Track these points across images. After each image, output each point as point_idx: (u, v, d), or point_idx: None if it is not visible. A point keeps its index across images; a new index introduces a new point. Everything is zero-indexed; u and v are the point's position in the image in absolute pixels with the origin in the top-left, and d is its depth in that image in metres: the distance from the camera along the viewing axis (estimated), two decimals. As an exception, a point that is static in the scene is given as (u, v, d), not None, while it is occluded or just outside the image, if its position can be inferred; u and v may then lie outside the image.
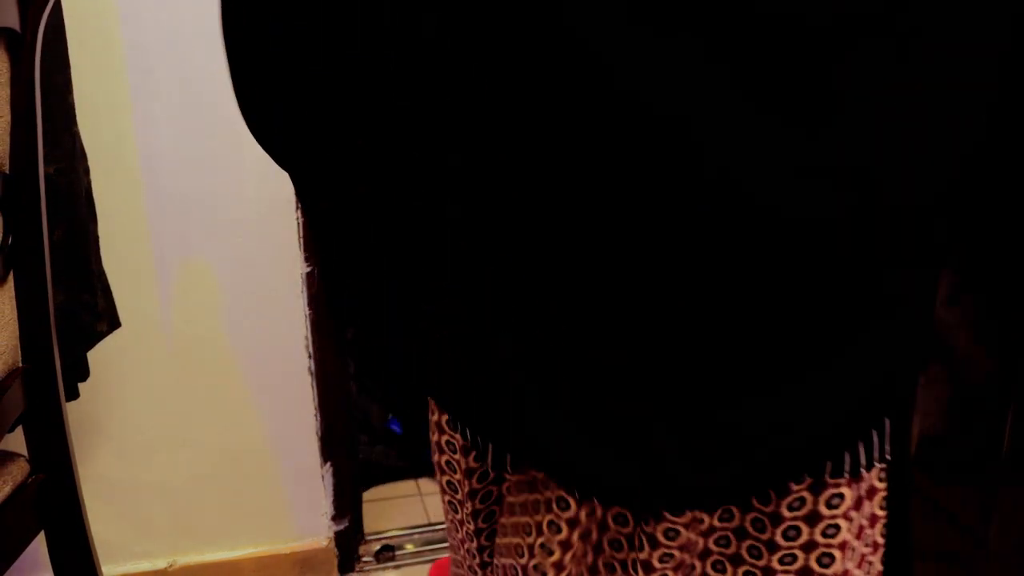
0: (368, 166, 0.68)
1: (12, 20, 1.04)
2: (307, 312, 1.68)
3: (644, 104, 0.56)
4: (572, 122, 0.58)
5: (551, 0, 0.56)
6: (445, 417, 0.81)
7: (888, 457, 0.72)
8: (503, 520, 0.81)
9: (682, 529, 0.70)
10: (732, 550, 0.71)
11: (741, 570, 0.71)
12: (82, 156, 1.32)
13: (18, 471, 1.12)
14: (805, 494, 0.68)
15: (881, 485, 0.72)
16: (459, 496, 0.85)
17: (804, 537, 0.69)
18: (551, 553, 0.75)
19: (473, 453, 0.80)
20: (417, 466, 2.23)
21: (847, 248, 0.60)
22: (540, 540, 0.76)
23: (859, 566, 0.73)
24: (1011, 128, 0.70)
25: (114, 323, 1.38)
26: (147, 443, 1.69)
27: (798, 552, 0.70)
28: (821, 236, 0.59)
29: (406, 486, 2.18)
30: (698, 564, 0.73)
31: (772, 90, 0.56)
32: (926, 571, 1.65)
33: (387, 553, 1.91)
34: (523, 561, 0.78)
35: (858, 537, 0.71)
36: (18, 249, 1.08)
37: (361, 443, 2.10)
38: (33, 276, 1.10)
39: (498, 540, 0.83)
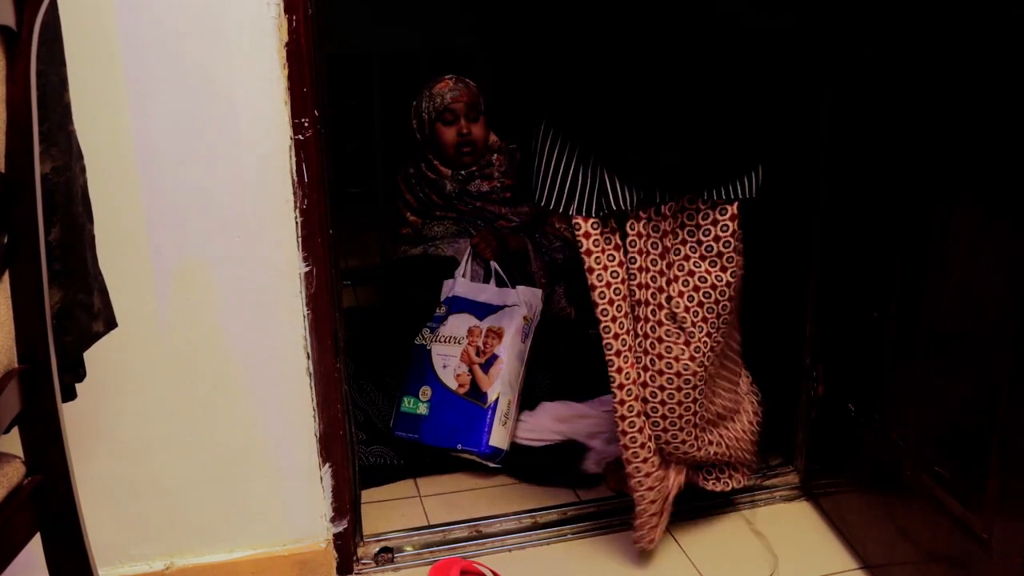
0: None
1: (8, 18, 1.03)
2: (306, 312, 1.68)
3: None
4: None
5: None
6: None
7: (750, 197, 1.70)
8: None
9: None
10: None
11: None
12: (79, 155, 1.31)
13: (14, 473, 1.11)
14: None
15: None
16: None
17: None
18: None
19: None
20: (415, 466, 2.23)
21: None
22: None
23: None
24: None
25: (111, 323, 1.37)
26: (144, 444, 1.68)
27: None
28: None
29: (405, 488, 2.18)
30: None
31: None
32: (930, 572, 1.65)
33: (386, 555, 1.90)
34: None
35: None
36: (13, 248, 1.07)
37: (359, 441, 2.10)
38: (29, 276, 1.09)
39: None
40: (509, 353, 2.26)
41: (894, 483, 1.71)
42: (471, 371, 2.25)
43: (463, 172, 2.60)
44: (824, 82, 1.85)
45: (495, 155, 2.63)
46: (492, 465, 2.21)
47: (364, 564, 1.88)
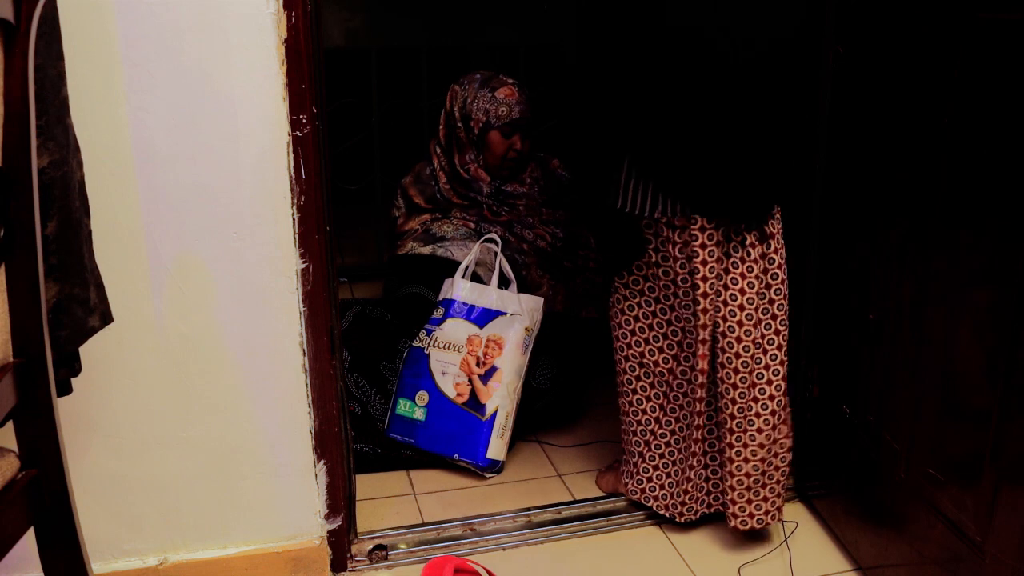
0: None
1: (6, 11, 1.03)
2: (302, 309, 1.68)
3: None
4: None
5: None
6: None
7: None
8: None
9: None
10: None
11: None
12: (76, 149, 1.30)
13: (8, 467, 1.11)
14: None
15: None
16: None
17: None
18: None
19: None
20: (396, 458, 2.25)
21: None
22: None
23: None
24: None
25: (107, 318, 1.37)
26: (139, 439, 1.68)
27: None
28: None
29: (400, 485, 2.18)
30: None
31: None
32: (923, 574, 1.65)
33: (380, 552, 1.90)
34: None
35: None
36: (9, 242, 1.07)
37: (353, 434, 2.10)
38: (24, 270, 1.09)
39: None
40: (509, 365, 2.24)
41: (888, 485, 1.72)
42: (471, 381, 2.24)
43: (499, 181, 2.56)
44: (822, 85, 1.85)
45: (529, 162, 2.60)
46: (487, 476, 2.21)
47: (358, 561, 1.88)
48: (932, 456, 1.59)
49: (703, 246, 1.76)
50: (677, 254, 1.78)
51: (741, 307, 1.80)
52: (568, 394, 2.43)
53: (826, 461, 1.99)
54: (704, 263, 1.77)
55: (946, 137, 1.49)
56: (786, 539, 1.93)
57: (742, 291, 1.80)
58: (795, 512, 2.04)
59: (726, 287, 1.80)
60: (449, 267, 2.42)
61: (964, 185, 1.48)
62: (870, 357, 1.76)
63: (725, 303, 1.80)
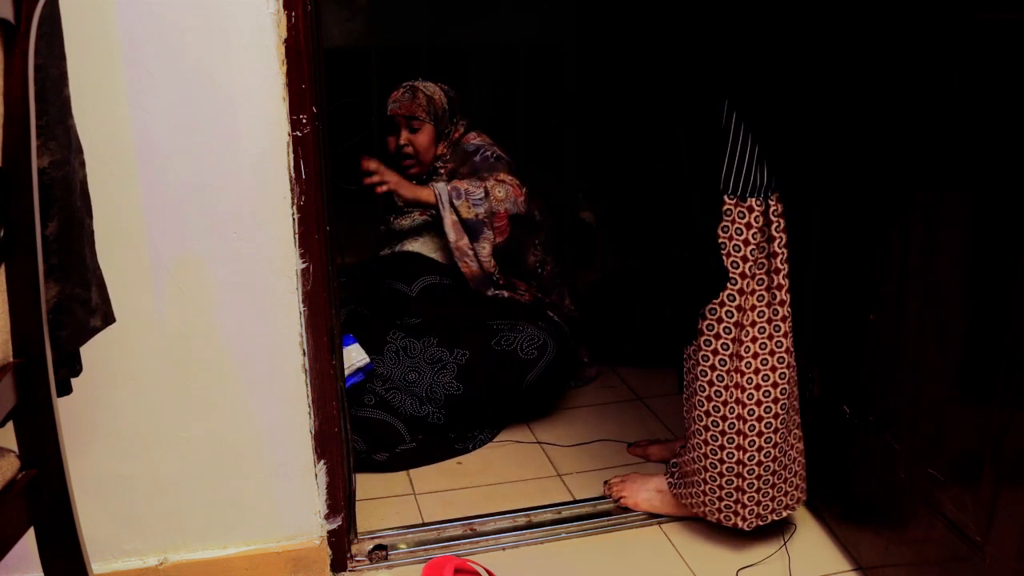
0: None
1: (6, 11, 1.03)
2: (302, 309, 1.68)
3: None
4: None
5: None
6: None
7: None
8: None
9: None
10: None
11: None
12: (78, 149, 1.30)
13: (8, 467, 1.11)
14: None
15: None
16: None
17: None
18: None
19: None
20: (397, 461, 2.26)
21: None
22: None
23: None
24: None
25: (108, 318, 1.37)
26: (139, 439, 1.68)
27: None
28: None
29: (400, 485, 2.18)
30: None
31: None
32: (923, 574, 1.65)
33: (380, 552, 1.90)
34: None
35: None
36: (9, 242, 1.07)
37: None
38: (25, 270, 1.09)
39: None
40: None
41: (888, 485, 1.72)
42: None
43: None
44: (818, 87, 1.85)
45: (442, 149, 2.66)
46: None
47: (358, 561, 1.88)
48: (932, 456, 1.59)
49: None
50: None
51: None
52: (556, 361, 2.44)
53: (827, 461, 1.99)
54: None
55: (946, 137, 1.49)
56: (786, 540, 1.93)
57: None
58: (796, 512, 2.03)
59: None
60: (409, 259, 2.60)
61: (965, 185, 1.48)
62: (870, 357, 1.76)
63: None
